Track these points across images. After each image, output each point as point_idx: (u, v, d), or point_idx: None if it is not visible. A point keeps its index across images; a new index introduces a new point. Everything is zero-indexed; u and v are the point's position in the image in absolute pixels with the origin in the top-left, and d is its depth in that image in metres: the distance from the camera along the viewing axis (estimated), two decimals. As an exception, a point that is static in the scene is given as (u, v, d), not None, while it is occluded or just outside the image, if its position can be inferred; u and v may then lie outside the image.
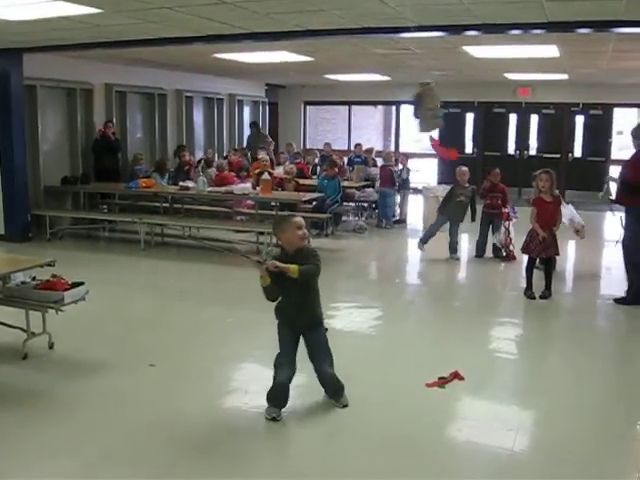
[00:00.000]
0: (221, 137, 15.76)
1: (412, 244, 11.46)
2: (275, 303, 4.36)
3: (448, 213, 9.35)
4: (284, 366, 4.28)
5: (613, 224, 13.82)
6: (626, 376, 5.38)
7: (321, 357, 4.40)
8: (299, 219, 4.29)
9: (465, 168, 9.49)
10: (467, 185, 9.42)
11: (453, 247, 9.47)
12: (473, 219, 9.46)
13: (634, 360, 5.78)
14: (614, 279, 8.56)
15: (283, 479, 3.67)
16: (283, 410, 4.31)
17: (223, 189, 10.30)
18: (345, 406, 4.45)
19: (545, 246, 7.21)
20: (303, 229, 4.26)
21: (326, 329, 4.48)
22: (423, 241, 9.45)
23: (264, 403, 4.34)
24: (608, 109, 16.12)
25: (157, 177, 11.72)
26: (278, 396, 4.30)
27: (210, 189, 10.45)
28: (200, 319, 6.63)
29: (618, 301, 7.26)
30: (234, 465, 3.77)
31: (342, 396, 4.48)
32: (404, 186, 12.52)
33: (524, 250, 7.46)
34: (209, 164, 12.89)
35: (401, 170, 12.62)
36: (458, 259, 9.47)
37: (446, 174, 16.59)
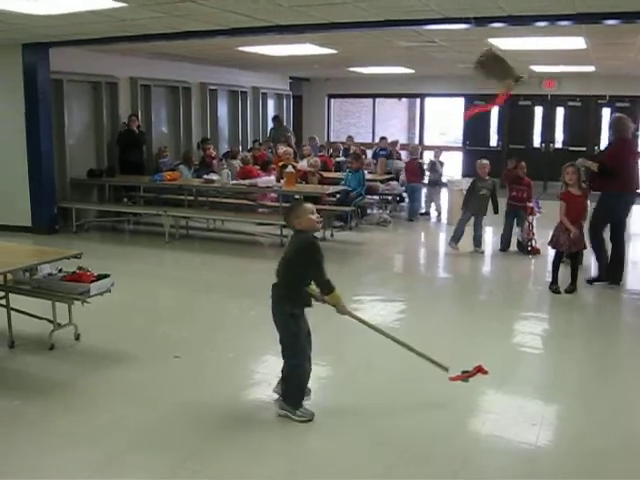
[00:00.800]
0: (245, 130, 15.78)
1: (436, 237, 11.45)
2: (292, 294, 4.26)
3: (472, 208, 9.31)
4: (307, 359, 4.26)
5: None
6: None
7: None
8: (310, 204, 4.27)
9: (485, 161, 9.46)
10: (487, 178, 9.39)
11: (477, 240, 9.43)
12: (496, 211, 9.41)
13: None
14: (640, 273, 8.51)
15: (302, 470, 3.69)
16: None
17: (247, 182, 10.32)
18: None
19: (574, 241, 7.15)
20: (315, 213, 4.23)
21: None
22: (455, 240, 9.40)
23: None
24: (635, 101, 15.91)
25: (184, 169, 11.79)
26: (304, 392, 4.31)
27: (234, 182, 10.48)
28: (224, 311, 6.68)
29: (590, 281, 7.61)
30: (256, 454, 3.79)
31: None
32: (439, 180, 12.50)
33: (552, 244, 7.38)
34: (234, 156, 12.93)
35: (434, 164, 12.57)
36: (482, 252, 9.42)
37: (470, 167, 16.53)
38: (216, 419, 4.26)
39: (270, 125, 16.41)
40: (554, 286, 7.34)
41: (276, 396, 4.41)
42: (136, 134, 11.83)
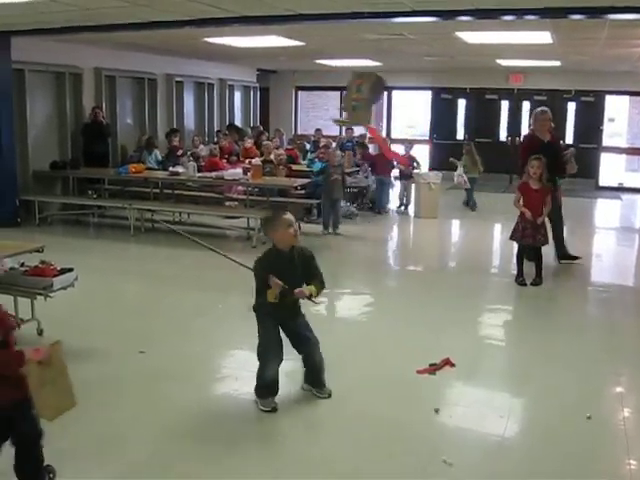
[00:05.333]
0: (212, 122, 15.65)
1: (403, 230, 11.49)
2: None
3: (328, 193, 10.06)
4: (276, 356, 4.25)
5: (604, 211, 13.93)
6: (616, 362, 5.38)
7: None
8: (289, 216, 4.17)
9: (339, 152, 10.87)
10: (337, 164, 10.28)
11: (335, 225, 10.15)
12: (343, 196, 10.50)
13: (624, 346, 5.80)
14: (604, 266, 8.61)
15: (273, 464, 3.66)
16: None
17: (214, 174, 10.24)
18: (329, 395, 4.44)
19: (533, 233, 7.19)
20: (294, 226, 4.18)
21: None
22: (326, 227, 10.19)
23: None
24: (600, 96, 16.13)
25: (146, 155, 11.66)
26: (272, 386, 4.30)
27: (200, 174, 10.39)
28: (190, 306, 6.60)
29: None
30: (224, 450, 3.76)
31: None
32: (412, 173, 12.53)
33: (513, 237, 7.44)
34: (196, 146, 12.86)
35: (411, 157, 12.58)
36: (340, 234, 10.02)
37: (437, 160, 16.62)
38: (183, 415, 4.20)
39: (238, 117, 16.31)
40: (520, 279, 7.39)
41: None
42: (103, 125, 11.67)
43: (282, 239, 4.16)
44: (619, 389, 4.86)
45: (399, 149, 12.88)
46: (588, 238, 10.38)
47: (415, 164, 12.48)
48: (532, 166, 7.21)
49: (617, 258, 8.09)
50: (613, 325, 6.46)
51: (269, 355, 4.24)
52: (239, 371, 4.87)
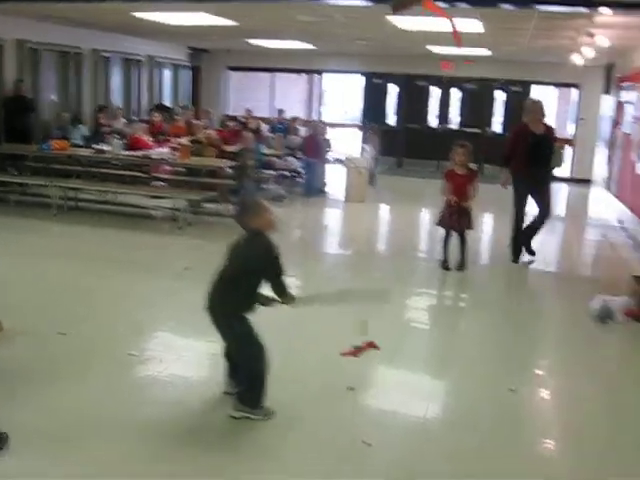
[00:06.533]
0: (140, 101, 15.31)
1: (332, 213, 11.52)
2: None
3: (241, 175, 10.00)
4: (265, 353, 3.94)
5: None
6: (535, 343, 5.54)
7: None
8: (266, 202, 4.05)
9: (250, 134, 10.90)
10: (251, 147, 10.46)
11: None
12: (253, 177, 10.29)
13: (544, 329, 5.98)
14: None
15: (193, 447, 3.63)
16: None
17: (140, 153, 10.02)
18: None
19: (458, 218, 7.31)
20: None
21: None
22: None
23: (178, 372, 4.26)
24: (527, 86, 16.49)
25: (71, 132, 11.32)
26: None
27: (126, 153, 10.15)
28: (114, 287, 6.44)
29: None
30: (146, 434, 3.70)
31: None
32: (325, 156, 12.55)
33: (439, 223, 7.55)
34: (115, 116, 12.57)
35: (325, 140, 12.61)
36: None
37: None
38: (103, 399, 4.11)
39: (167, 95, 16.02)
40: (445, 263, 7.51)
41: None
42: (26, 100, 11.26)
43: (269, 224, 3.95)
44: (539, 370, 5.01)
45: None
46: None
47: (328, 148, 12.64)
48: (457, 153, 7.32)
49: (541, 244, 8.28)
50: (536, 307, 6.65)
51: (263, 355, 3.90)
52: (163, 353, 4.80)
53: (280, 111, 14.64)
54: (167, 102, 15.97)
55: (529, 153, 7.56)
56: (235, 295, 3.83)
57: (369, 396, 4.40)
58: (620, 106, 12.62)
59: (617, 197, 11.88)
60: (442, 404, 4.40)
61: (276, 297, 3.96)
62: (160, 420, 3.88)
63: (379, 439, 3.76)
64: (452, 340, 5.61)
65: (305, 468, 3.50)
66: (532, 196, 7.85)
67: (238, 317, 3.87)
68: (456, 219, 7.32)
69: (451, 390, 4.62)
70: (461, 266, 7.49)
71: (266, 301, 3.98)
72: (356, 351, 4.88)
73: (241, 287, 3.82)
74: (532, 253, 8.05)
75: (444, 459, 3.62)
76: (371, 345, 4.99)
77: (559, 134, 18.61)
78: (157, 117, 13.08)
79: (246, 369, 3.94)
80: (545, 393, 4.71)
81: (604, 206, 12.56)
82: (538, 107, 7.83)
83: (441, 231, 7.66)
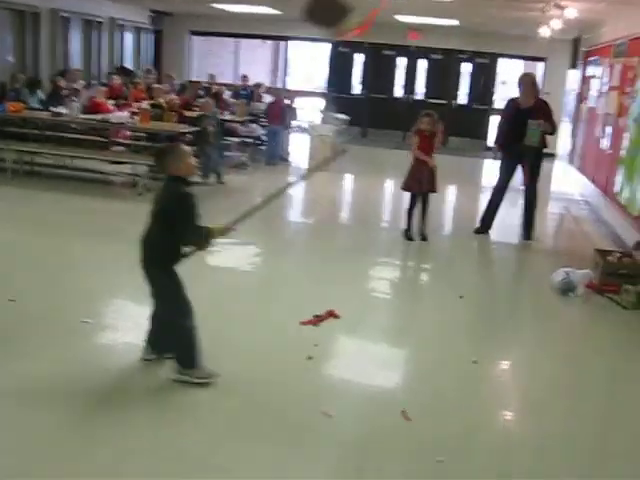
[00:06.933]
0: (100, 64, 14.90)
1: (294, 182, 11.38)
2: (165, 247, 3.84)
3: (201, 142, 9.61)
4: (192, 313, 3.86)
5: (490, 171, 14.30)
6: (497, 315, 5.54)
7: None
8: (187, 147, 3.95)
9: (211, 100, 10.57)
10: (210, 114, 10.05)
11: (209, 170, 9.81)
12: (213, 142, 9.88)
13: (507, 301, 5.99)
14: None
15: (159, 413, 3.53)
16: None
17: (99, 117, 9.75)
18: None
19: (423, 180, 7.24)
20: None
21: None
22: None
23: (134, 339, 4.14)
24: (494, 58, 16.46)
25: (27, 94, 10.97)
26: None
27: (84, 116, 9.87)
28: (69, 253, 6.25)
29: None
30: (106, 403, 3.60)
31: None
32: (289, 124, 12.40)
33: (404, 187, 7.47)
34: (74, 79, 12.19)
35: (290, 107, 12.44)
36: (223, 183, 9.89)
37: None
38: (60, 367, 3.96)
39: (128, 59, 15.64)
40: (408, 233, 7.46)
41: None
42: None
43: (188, 169, 3.86)
44: (501, 340, 5.00)
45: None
46: (475, 195, 10.61)
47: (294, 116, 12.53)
48: (422, 122, 7.26)
49: (505, 216, 8.27)
50: (498, 279, 6.65)
51: (189, 312, 3.83)
52: (119, 321, 4.68)
53: (244, 77, 14.38)
54: (129, 66, 15.58)
55: (510, 128, 7.55)
56: (159, 243, 3.79)
57: (330, 366, 4.34)
58: (586, 80, 12.65)
59: (580, 171, 11.93)
60: (401, 373, 4.38)
61: (194, 247, 3.89)
62: (118, 389, 3.77)
63: (338, 409, 3.70)
64: (414, 310, 5.57)
65: (240, 433, 3.43)
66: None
67: (165, 270, 3.81)
68: (421, 181, 7.23)
69: (412, 358, 4.59)
70: (424, 235, 7.43)
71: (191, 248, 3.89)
72: (316, 320, 4.82)
73: (164, 234, 3.77)
74: (487, 228, 7.98)
75: (405, 428, 3.57)
76: (332, 314, 4.93)
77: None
78: (117, 80, 12.74)
79: (170, 325, 3.88)
80: (506, 364, 4.71)
81: (567, 180, 12.64)
82: (525, 80, 7.63)
83: (406, 199, 7.60)
